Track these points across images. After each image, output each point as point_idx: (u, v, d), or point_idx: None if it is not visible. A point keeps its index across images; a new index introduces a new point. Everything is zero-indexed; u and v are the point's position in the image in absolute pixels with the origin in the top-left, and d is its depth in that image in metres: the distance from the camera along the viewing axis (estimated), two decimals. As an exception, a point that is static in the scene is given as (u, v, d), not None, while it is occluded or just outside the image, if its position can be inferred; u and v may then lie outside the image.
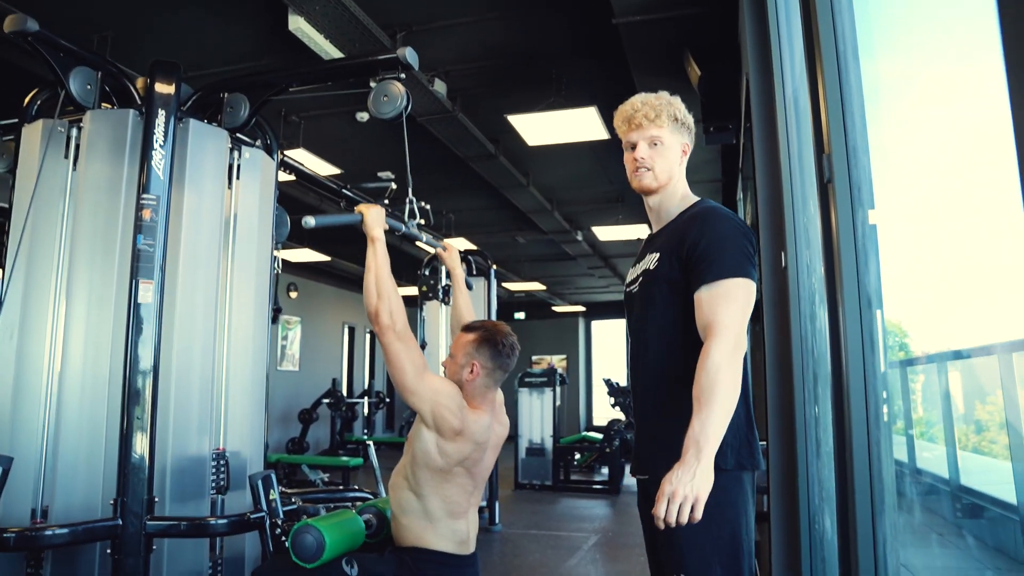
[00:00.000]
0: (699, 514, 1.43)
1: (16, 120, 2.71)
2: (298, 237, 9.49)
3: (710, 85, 3.86)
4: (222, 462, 2.60)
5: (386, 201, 4.74)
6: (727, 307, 1.60)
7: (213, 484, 2.58)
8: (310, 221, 2.17)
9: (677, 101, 1.87)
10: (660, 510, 1.43)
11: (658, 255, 1.78)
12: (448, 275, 6.11)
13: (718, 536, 1.57)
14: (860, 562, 1.82)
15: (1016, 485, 2.35)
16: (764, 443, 2.41)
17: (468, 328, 2.29)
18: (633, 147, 1.85)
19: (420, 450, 2.10)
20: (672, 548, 1.62)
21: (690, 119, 1.88)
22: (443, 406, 2.07)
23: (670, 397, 1.69)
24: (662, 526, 1.45)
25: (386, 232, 2.22)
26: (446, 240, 2.60)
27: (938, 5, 2.12)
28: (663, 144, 1.83)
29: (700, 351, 1.59)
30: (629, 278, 1.92)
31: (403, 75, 2.53)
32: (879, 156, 1.71)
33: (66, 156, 2.59)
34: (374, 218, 2.19)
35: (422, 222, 2.71)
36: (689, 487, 1.42)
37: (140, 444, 2.32)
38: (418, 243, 2.64)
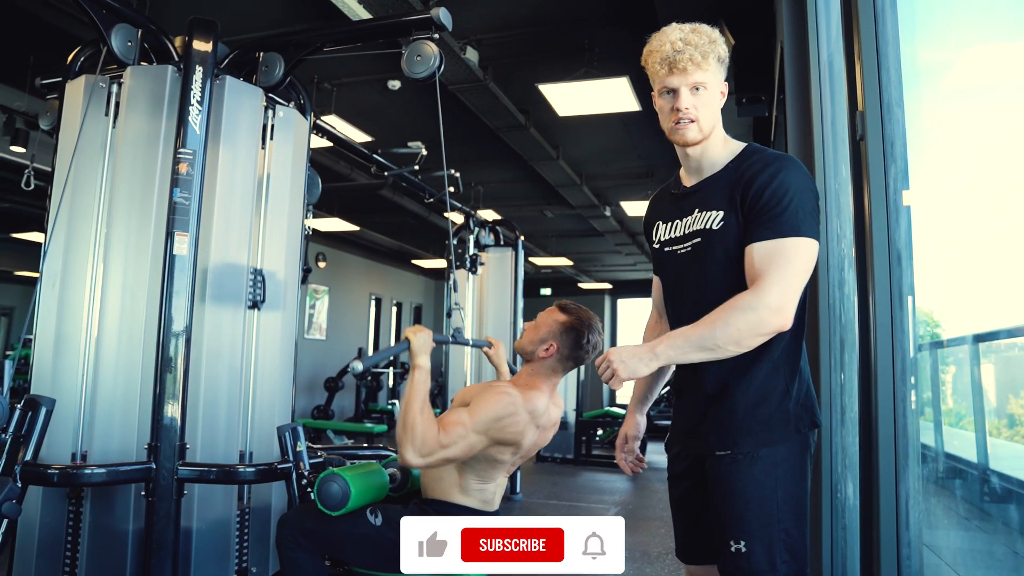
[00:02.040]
0: (616, 385, 1.51)
1: (60, 79, 2.77)
2: (328, 207, 9.56)
3: (743, 54, 3.81)
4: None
5: (415, 167, 4.75)
6: (782, 268, 1.46)
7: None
8: (357, 366, 2.00)
9: (718, 36, 1.63)
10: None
11: (721, 213, 1.60)
12: (476, 247, 6.09)
13: (786, 499, 1.50)
14: (882, 531, 1.82)
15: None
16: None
17: (563, 308, 2.20)
18: (670, 92, 1.62)
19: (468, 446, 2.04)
20: (732, 512, 1.53)
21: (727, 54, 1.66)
22: (506, 431, 2.04)
23: (754, 368, 1.57)
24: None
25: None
26: (490, 336, 2.56)
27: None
28: (707, 90, 1.61)
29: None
30: (670, 235, 1.74)
31: (436, 35, 2.54)
32: (914, 140, 1.67)
33: (107, 113, 2.64)
34: (420, 344, 2.10)
35: (464, 324, 2.66)
36: (620, 361, 1.49)
37: (173, 391, 2.39)
38: (465, 346, 2.55)
